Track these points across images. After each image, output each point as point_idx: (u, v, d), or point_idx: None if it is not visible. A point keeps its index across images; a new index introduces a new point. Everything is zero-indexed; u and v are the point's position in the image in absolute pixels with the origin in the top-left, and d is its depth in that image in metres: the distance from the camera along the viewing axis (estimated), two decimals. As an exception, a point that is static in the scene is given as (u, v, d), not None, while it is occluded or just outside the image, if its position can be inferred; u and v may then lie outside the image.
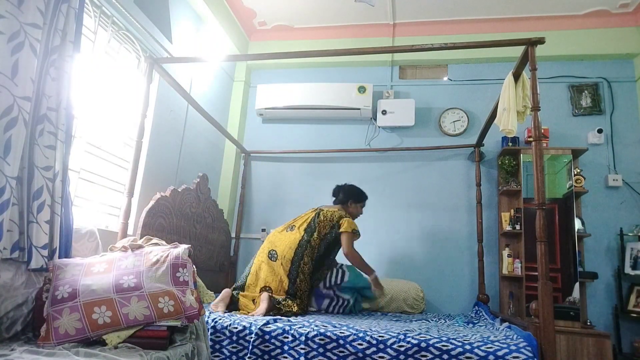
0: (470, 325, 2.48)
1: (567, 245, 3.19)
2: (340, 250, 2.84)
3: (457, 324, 2.51)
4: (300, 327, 2.00)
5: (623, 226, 3.28)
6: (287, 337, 1.98)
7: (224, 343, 2.07)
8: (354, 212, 3.01)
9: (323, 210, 2.90)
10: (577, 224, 3.22)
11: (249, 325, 2.07)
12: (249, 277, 2.73)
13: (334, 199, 3.08)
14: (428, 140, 3.79)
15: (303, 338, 1.95)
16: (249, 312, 2.42)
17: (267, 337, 2.01)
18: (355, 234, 2.81)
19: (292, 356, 1.95)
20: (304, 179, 3.97)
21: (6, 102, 1.49)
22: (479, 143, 3.42)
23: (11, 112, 1.51)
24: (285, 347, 1.97)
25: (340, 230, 2.79)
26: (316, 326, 2.00)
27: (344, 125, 4.00)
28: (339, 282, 2.81)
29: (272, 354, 1.99)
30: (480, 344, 1.79)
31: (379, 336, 1.88)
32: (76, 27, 1.83)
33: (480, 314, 2.87)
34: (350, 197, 3.02)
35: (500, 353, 1.72)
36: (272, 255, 2.73)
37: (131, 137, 2.65)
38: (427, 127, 3.86)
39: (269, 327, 2.03)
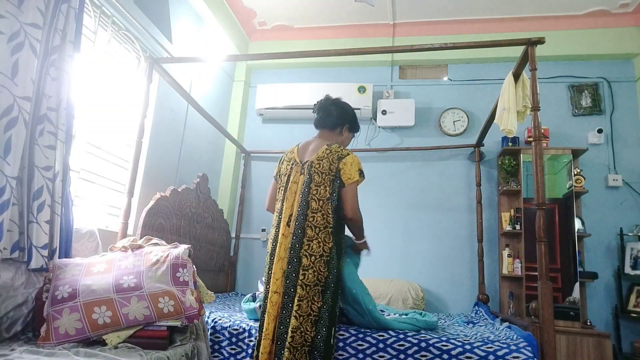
0: (470, 325, 2.48)
1: (567, 245, 3.19)
2: None
3: (457, 324, 2.51)
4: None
5: (623, 226, 3.28)
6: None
7: (224, 344, 2.06)
8: (345, 142, 2.21)
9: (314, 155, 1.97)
10: (577, 224, 3.22)
11: (248, 327, 2.06)
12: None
13: (317, 117, 2.16)
14: (428, 140, 3.79)
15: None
16: None
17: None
18: (362, 176, 1.97)
19: None
20: (304, 179, 3.96)
21: (6, 102, 1.50)
22: (479, 143, 3.42)
23: (11, 112, 1.51)
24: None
25: (344, 178, 1.91)
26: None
27: (344, 125, 4.00)
28: None
29: None
30: (480, 344, 1.79)
31: (379, 335, 1.88)
32: (76, 27, 1.83)
33: (480, 314, 2.87)
34: (347, 120, 2.16)
35: (500, 353, 1.73)
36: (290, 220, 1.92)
37: (131, 137, 2.64)
38: (427, 127, 3.86)
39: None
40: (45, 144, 1.68)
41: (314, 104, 2.21)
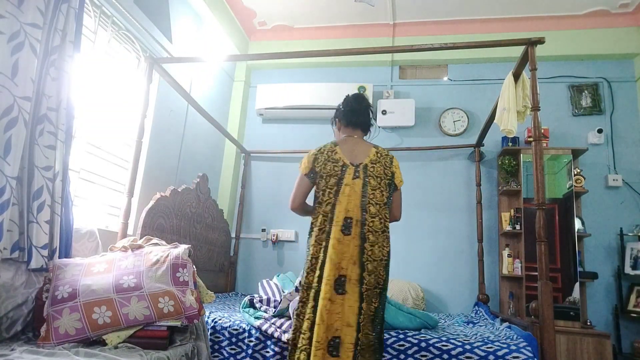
0: (470, 325, 2.48)
1: (567, 245, 3.19)
2: None
3: (457, 324, 2.51)
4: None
5: (623, 226, 3.28)
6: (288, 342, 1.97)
7: (223, 344, 2.07)
8: None
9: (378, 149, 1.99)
10: (577, 224, 3.22)
11: (248, 327, 2.06)
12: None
13: (361, 118, 2.07)
14: (428, 140, 3.79)
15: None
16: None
17: (269, 342, 2.00)
18: None
19: None
20: (304, 179, 3.96)
21: (6, 102, 1.50)
22: (479, 143, 3.42)
23: (11, 112, 1.51)
24: (285, 353, 1.96)
25: (397, 182, 1.96)
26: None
27: (344, 125, 4.00)
28: None
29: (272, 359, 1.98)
30: (480, 344, 1.79)
31: (379, 336, 1.88)
32: (76, 27, 1.83)
33: (480, 314, 2.87)
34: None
35: (500, 353, 1.73)
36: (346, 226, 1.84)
37: (131, 137, 2.64)
38: (427, 127, 3.86)
39: (270, 330, 2.02)
40: (45, 144, 1.68)
41: (350, 99, 2.07)
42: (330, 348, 1.68)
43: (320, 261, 1.79)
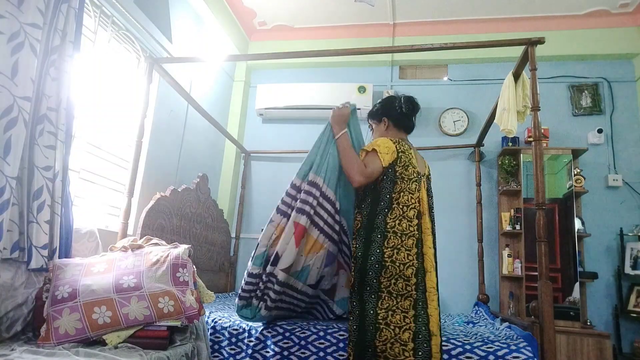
0: (470, 325, 2.48)
1: (567, 245, 3.19)
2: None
3: (457, 324, 2.51)
4: (300, 331, 1.99)
5: (623, 226, 3.28)
6: (288, 342, 1.97)
7: (223, 344, 2.06)
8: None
9: None
10: (577, 224, 3.22)
11: (248, 327, 2.06)
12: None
13: (413, 123, 2.08)
14: (428, 140, 3.78)
15: (303, 342, 1.95)
16: None
17: (269, 342, 2.00)
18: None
19: None
20: (304, 179, 3.96)
21: (6, 102, 1.49)
22: (479, 143, 3.41)
23: (11, 112, 1.51)
24: (285, 353, 1.97)
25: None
26: (315, 329, 1.99)
27: (344, 125, 4.00)
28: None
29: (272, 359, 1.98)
30: (480, 344, 1.79)
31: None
32: (76, 27, 1.83)
33: (480, 314, 2.87)
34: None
35: (500, 353, 1.73)
36: None
37: (131, 137, 2.64)
38: (427, 127, 3.86)
39: (270, 331, 2.01)
40: (45, 144, 1.68)
41: (407, 102, 1.98)
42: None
43: (415, 268, 1.71)
